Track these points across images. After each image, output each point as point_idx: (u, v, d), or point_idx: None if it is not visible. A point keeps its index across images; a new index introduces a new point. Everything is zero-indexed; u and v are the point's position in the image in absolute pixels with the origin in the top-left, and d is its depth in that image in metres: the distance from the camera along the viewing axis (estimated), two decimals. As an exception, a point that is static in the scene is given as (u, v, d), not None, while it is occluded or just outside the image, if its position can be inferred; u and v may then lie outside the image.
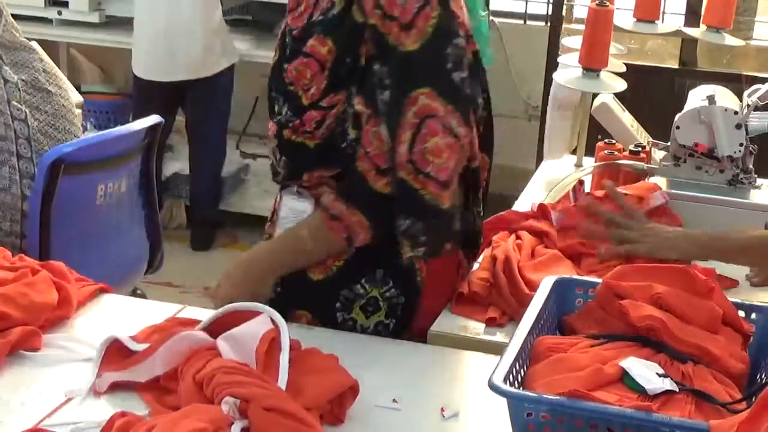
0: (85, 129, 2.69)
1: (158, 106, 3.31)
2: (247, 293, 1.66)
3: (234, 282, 1.73)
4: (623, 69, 2.67)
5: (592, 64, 2.52)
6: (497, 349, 1.66)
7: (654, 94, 3.78)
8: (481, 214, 1.83)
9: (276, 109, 1.73)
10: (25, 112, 2.44)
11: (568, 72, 2.57)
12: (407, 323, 1.74)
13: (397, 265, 1.69)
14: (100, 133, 2.58)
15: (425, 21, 1.55)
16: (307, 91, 1.64)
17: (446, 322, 1.79)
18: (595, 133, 2.70)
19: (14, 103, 2.41)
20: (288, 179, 1.74)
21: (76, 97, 2.73)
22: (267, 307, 1.49)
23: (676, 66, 4.20)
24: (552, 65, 3.08)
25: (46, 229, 2.38)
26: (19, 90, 2.44)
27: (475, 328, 1.78)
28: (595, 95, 2.70)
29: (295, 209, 1.72)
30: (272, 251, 1.76)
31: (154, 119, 2.73)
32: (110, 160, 2.58)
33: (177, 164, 4.64)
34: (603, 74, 2.56)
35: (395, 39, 1.56)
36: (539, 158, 3.07)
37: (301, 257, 1.71)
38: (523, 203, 2.50)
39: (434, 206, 1.59)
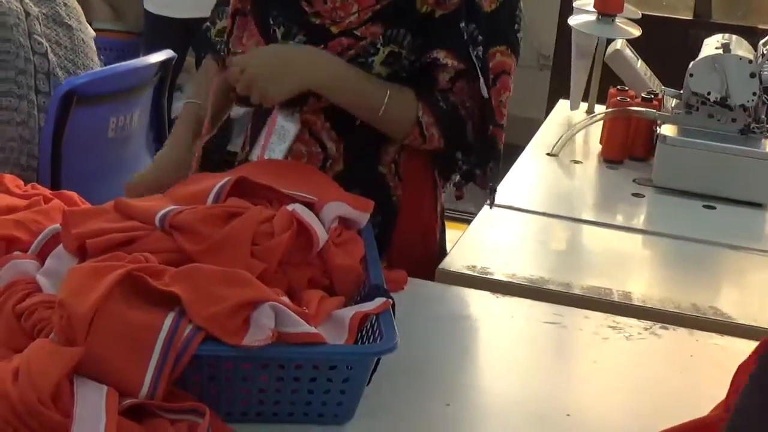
0: (98, 67, 2.66)
1: (169, 43, 3.26)
2: (284, 90, 1.57)
3: (275, 72, 1.57)
4: (639, 15, 2.63)
5: (607, 9, 2.45)
6: (504, 288, 1.68)
7: (667, 45, 3.75)
8: None
9: (278, 34, 1.65)
10: (46, 47, 2.36)
11: (583, 17, 2.55)
12: (386, 242, 1.71)
13: (373, 184, 1.68)
14: (113, 65, 2.57)
15: None
16: (343, 21, 1.60)
17: (454, 261, 1.81)
18: (608, 81, 2.69)
19: (35, 36, 2.35)
20: (286, 106, 1.65)
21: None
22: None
23: (690, 18, 4.17)
24: (566, 14, 3.06)
25: (58, 161, 2.34)
26: (40, 23, 2.37)
27: (484, 267, 1.80)
28: (609, 42, 2.69)
29: (283, 128, 1.67)
30: (342, 75, 1.60)
31: (166, 53, 2.66)
32: (122, 92, 2.49)
33: (187, 104, 4.62)
34: (618, 20, 2.53)
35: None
36: (549, 108, 3.06)
37: (362, 106, 1.62)
38: (531, 153, 2.51)
39: (500, 153, 1.69)
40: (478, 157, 1.70)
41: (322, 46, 1.60)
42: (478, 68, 1.62)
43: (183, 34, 4.08)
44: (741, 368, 1.02)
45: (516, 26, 1.65)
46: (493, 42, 1.62)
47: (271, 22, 1.66)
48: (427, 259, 1.77)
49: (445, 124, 1.64)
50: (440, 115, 1.63)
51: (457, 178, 1.76)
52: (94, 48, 2.56)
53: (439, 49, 1.61)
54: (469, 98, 1.64)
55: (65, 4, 2.47)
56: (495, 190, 1.74)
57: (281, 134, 1.69)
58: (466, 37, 1.61)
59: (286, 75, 1.58)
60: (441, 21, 1.61)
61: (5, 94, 2.31)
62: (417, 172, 1.73)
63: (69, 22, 2.46)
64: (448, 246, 1.88)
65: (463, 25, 1.61)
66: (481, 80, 1.62)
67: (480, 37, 1.61)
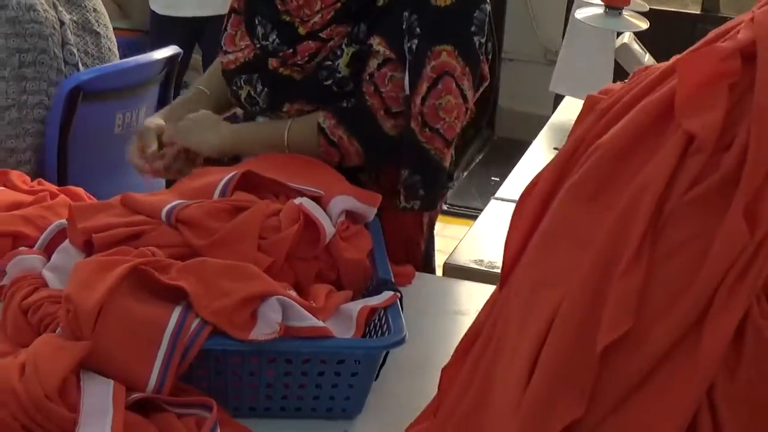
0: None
1: (175, 42, 3.27)
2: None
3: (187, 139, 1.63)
4: (646, 8, 2.61)
5: (614, 2, 2.45)
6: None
7: (675, 39, 3.74)
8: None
9: (259, 34, 1.63)
10: (77, 58, 2.32)
11: (590, 9, 2.54)
12: None
13: None
14: (119, 61, 2.57)
15: None
16: (307, 22, 1.57)
17: (461, 255, 1.81)
18: (615, 75, 2.68)
19: (68, 46, 2.30)
20: (267, 111, 1.65)
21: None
22: None
23: (698, 12, 4.16)
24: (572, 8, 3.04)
25: (64, 157, 2.33)
26: (71, 32, 2.32)
27: (491, 261, 1.80)
28: (616, 36, 2.67)
29: None
30: (242, 140, 1.64)
31: (173, 49, 2.64)
32: (129, 88, 2.47)
33: (193, 102, 4.63)
34: (625, 13, 2.53)
35: None
36: (556, 103, 3.05)
37: (267, 136, 1.63)
38: (539, 148, 2.50)
39: (437, 162, 1.55)
40: (406, 159, 1.57)
41: (291, 50, 1.58)
42: (407, 61, 1.53)
43: (188, 32, 4.08)
44: None
45: (473, 28, 1.55)
46: (439, 39, 1.53)
47: (256, 21, 1.65)
48: None
49: (350, 122, 1.57)
50: (342, 113, 1.57)
51: (401, 190, 1.58)
52: (117, 54, 2.55)
53: (375, 35, 1.55)
54: (393, 88, 1.55)
55: (95, 10, 2.42)
56: (424, 198, 1.58)
57: None
58: (404, 27, 1.54)
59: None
60: (384, 8, 1.55)
61: (37, 106, 2.30)
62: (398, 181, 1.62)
63: (98, 30, 2.41)
64: (454, 241, 1.87)
65: (406, 14, 1.53)
66: (406, 75, 1.54)
67: (418, 30, 1.53)
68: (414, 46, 1.53)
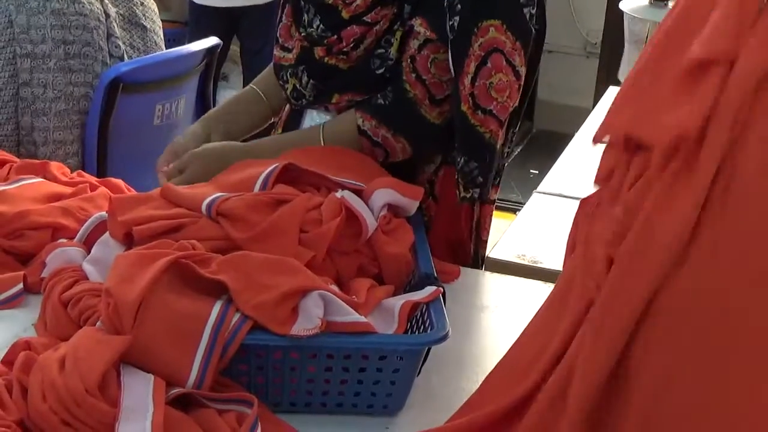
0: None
1: (214, 33, 3.28)
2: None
3: (209, 170, 1.49)
4: (691, -1, 2.59)
5: (659, -7, 2.46)
6: (555, 277, 1.65)
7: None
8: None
9: (305, 21, 1.58)
10: (123, 50, 2.32)
11: (636, 1, 2.50)
12: None
13: None
14: (159, 53, 2.56)
15: None
16: (350, 4, 1.51)
17: (503, 249, 1.79)
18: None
19: (113, 38, 2.30)
20: (314, 103, 1.60)
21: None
22: None
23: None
24: (614, 1, 3.00)
25: (104, 148, 2.34)
26: (117, 25, 2.33)
27: (533, 256, 1.77)
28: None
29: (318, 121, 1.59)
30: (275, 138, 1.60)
31: (212, 41, 2.64)
32: (168, 80, 2.47)
33: (231, 93, 4.63)
34: (671, 4, 2.49)
35: None
36: (597, 96, 3.02)
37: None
38: (581, 141, 2.47)
39: (491, 146, 1.49)
40: (461, 145, 1.49)
41: (335, 36, 1.52)
42: (449, 40, 1.46)
43: (227, 23, 4.09)
44: None
45: (521, 0, 1.46)
46: (485, 14, 1.45)
47: (302, 6, 1.59)
48: None
49: (393, 119, 1.51)
50: (381, 112, 1.51)
51: (459, 179, 1.52)
52: (164, 49, 2.55)
53: (417, 17, 1.49)
54: (437, 72, 1.50)
55: (142, 4, 2.42)
56: (483, 186, 1.51)
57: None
58: (445, 5, 1.46)
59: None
60: None
61: (83, 98, 2.31)
62: (454, 192, 1.56)
63: (144, 23, 2.42)
64: (498, 234, 1.85)
65: None
66: (449, 54, 1.46)
67: (459, 6, 1.45)
68: (456, 24, 1.45)
